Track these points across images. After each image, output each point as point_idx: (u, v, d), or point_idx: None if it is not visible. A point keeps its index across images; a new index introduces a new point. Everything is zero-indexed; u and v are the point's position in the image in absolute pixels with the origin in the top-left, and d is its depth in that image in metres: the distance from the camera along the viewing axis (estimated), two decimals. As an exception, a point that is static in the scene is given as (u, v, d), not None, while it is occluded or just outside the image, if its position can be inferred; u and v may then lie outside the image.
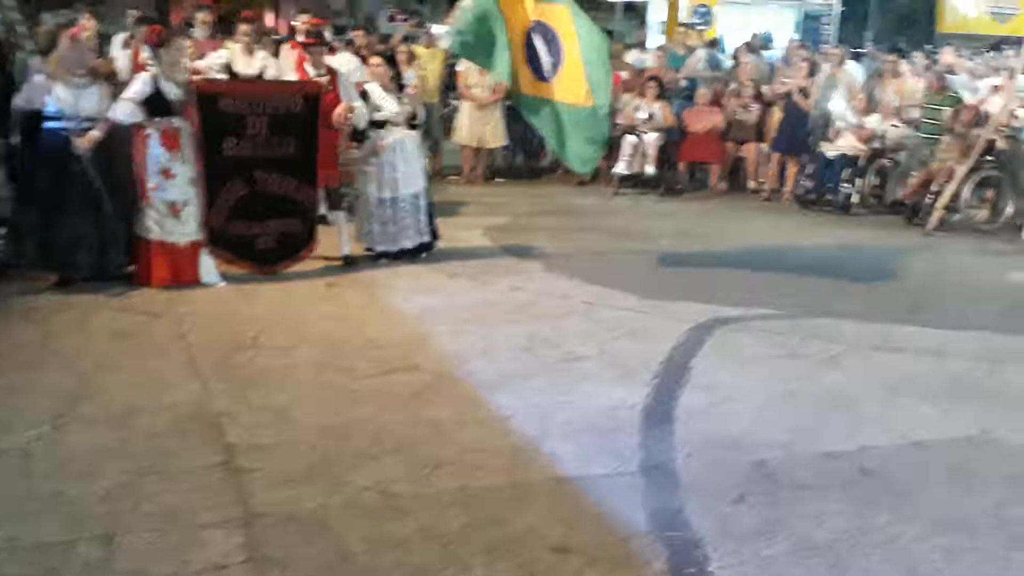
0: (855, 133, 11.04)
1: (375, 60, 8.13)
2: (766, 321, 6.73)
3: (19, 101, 6.63)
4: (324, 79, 7.48)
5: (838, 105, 11.16)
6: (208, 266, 6.98)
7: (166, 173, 6.75)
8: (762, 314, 6.87)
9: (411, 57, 10.81)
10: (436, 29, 17.68)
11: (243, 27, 8.79)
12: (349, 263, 7.64)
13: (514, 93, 7.81)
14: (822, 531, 3.82)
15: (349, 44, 11.14)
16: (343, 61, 9.37)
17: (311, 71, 7.64)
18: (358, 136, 7.76)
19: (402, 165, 7.77)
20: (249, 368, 5.37)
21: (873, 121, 11.16)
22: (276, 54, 9.11)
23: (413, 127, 7.94)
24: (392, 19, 35.34)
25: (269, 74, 8.52)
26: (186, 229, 6.85)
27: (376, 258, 7.84)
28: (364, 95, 7.73)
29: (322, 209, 7.63)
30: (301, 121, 7.21)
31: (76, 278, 6.57)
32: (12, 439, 4.33)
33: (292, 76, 8.22)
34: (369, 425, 4.63)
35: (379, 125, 7.70)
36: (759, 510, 3.97)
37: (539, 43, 7.49)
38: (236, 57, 8.64)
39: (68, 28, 8.04)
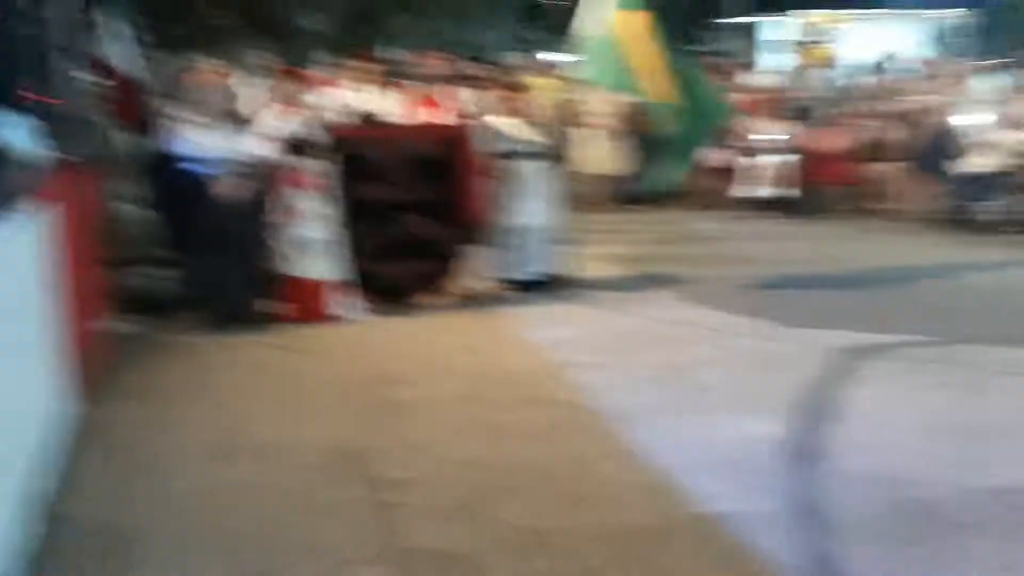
0: (996, 148, 10.61)
1: (507, 93, 8.22)
2: (907, 348, 6.50)
3: (159, 141, 6.92)
4: (465, 120, 7.62)
5: (977, 120, 10.76)
6: (349, 302, 7.14)
7: (297, 212, 6.96)
8: (902, 340, 6.65)
9: (527, 87, 10.93)
10: (547, 57, 17.83)
11: (367, 66, 8.95)
12: (486, 299, 7.67)
13: (654, 101, 7.89)
14: None
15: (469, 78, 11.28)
16: (467, 97, 9.51)
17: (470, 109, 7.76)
18: (496, 165, 7.85)
19: (534, 195, 7.85)
20: (392, 402, 5.47)
21: (1015, 136, 10.71)
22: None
23: (544, 157, 8.01)
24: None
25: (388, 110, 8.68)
26: (319, 267, 7.03)
27: (510, 288, 7.92)
28: (495, 127, 7.84)
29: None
30: (442, 163, 7.35)
31: (224, 316, 6.79)
32: (166, 475, 4.50)
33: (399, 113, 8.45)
34: (512, 459, 4.66)
35: (511, 156, 7.78)
36: (923, 552, 3.72)
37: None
38: (365, 98, 8.83)
39: (192, 71, 8.42)
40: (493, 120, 7.95)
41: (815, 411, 5.30)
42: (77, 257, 5.75)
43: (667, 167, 8.18)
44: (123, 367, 6.01)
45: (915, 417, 5.20)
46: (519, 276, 7.89)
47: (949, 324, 7.02)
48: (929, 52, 16.39)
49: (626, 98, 12.25)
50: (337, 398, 5.53)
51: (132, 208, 8.65)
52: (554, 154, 8.21)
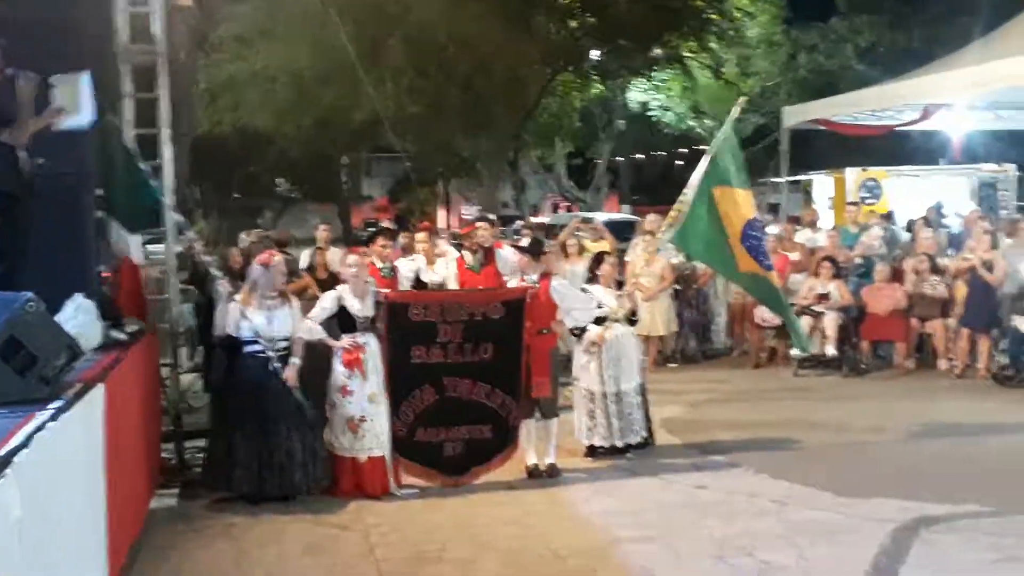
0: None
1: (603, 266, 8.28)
2: (974, 520, 6.23)
3: (216, 322, 7.00)
4: (531, 285, 7.48)
5: (1026, 275, 10.63)
6: (395, 479, 7.05)
7: (344, 390, 6.95)
8: (969, 511, 6.39)
9: (581, 249, 11.08)
10: (599, 218, 18.15)
11: (420, 236, 9.16)
12: (553, 474, 7.43)
13: (736, 276, 8.09)
14: None
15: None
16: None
17: (531, 278, 7.58)
18: (579, 331, 7.85)
19: (624, 360, 7.83)
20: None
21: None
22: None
23: (632, 323, 8.03)
24: (556, 208, 36.61)
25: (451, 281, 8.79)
26: (364, 444, 6.95)
27: (593, 455, 7.82)
28: (585, 293, 7.92)
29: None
30: (500, 327, 7.24)
31: (274, 494, 6.69)
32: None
33: (455, 285, 8.56)
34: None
35: (599, 321, 7.78)
36: None
37: (755, 233, 7.85)
38: (420, 266, 8.98)
39: (253, 249, 8.64)
40: (591, 285, 8.01)
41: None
42: (129, 433, 5.79)
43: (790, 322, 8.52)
44: (170, 548, 5.94)
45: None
46: (614, 441, 7.79)
47: (1015, 492, 6.75)
48: (974, 206, 16.38)
49: (676, 259, 12.42)
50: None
51: (186, 379, 8.82)
52: (635, 318, 8.24)
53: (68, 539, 4.21)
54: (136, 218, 7.37)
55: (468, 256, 8.75)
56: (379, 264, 8.08)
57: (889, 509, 6.38)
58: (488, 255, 8.68)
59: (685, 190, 7.81)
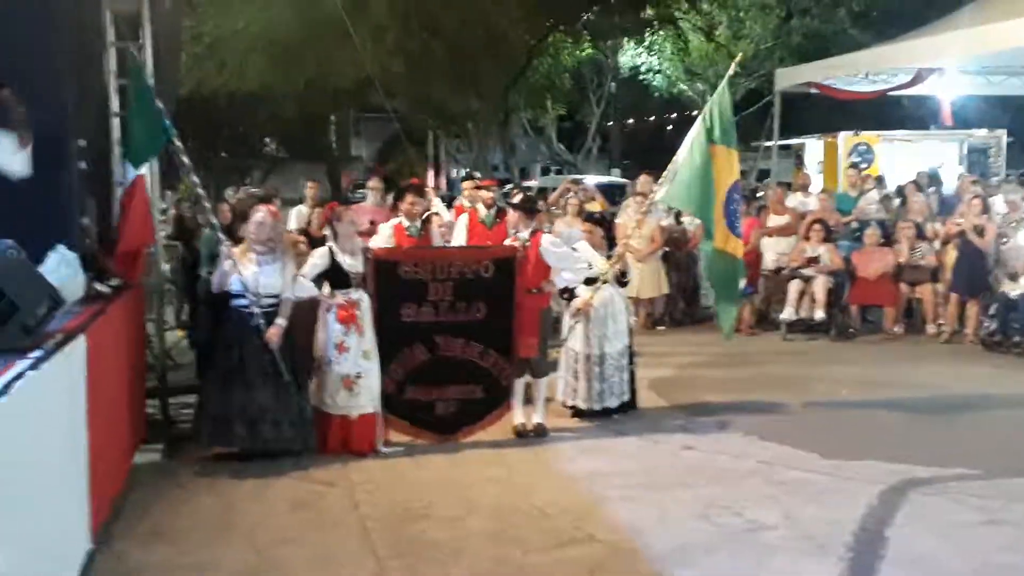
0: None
1: (587, 224, 8.25)
2: (962, 482, 6.23)
3: (213, 280, 6.90)
4: (519, 244, 7.39)
5: (1021, 240, 10.59)
6: (382, 436, 6.99)
7: (340, 347, 6.86)
8: (957, 474, 6.39)
9: (581, 210, 11.01)
10: (589, 181, 18.05)
11: (409, 197, 8.92)
12: (541, 433, 7.37)
13: (712, 248, 7.78)
14: None
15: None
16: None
17: (523, 235, 7.45)
18: (567, 293, 7.78)
19: (611, 322, 7.76)
20: (421, 541, 5.28)
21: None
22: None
23: (622, 284, 7.96)
24: (546, 171, 36.49)
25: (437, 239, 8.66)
26: (359, 402, 6.88)
27: (579, 416, 7.78)
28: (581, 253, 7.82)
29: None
30: (492, 286, 7.16)
31: (258, 451, 6.62)
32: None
33: (464, 240, 8.43)
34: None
35: (589, 282, 7.70)
36: None
37: (736, 197, 7.72)
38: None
39: (245, 202, 8.51)
40: (580, 246, 7.90)
41: (873, 553, 5.06)
42: (111, 386, 5.72)
43: (723, 308, 8.10)
44: (154, 502, 5.88)
45: (974, 557, 4.98)
46: (593, 405, 7.75)
47: (1002, 455, 6.78)
48: (964, 171, 16.37)
49: (666, 221, 12.35)
50: (368, 537, 5.34)
51: (172, 336, 8.73)
52: (626, 280, 8.16)
53: (49, 490, 4.16)
54: (140, 154, 7.18)
55: (482, 210, 8.62)
56: (406, 223, 7.85)
57: (877, 471, 6.37)
58: (500, 213, 8.61)
59: (679, 150, 7.72)
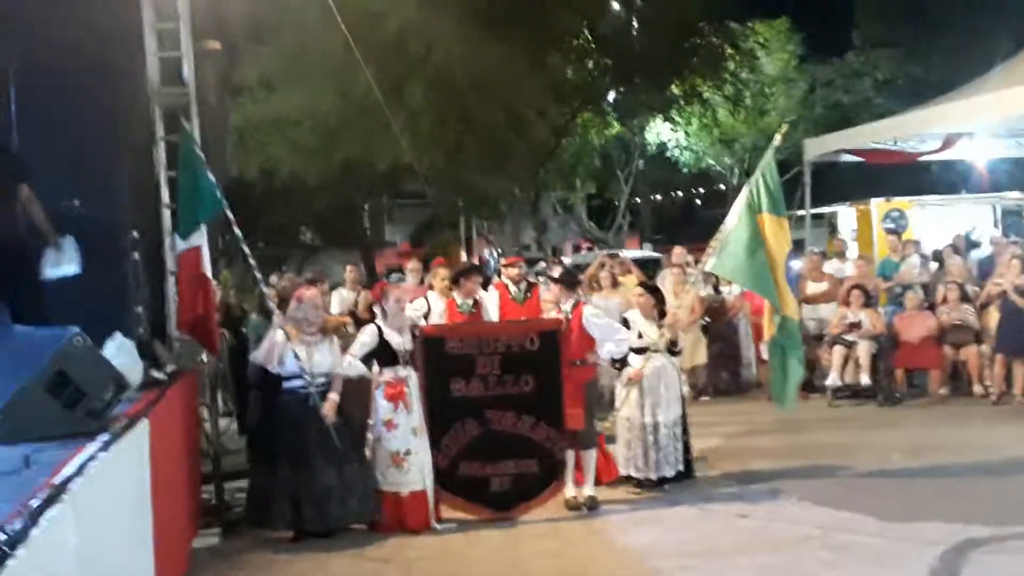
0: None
1: (639, 290, 8.36)
2: (1022, 540, 6.14)
3: (257, 355, 7.01)
4: (562, 316, 7.49)
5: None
6: (436, 513, 7.00)
7: (388, 424, 6.94)
8: (1016, 532, 6.29)
9: (614, 282, 11.11)
10: (625, 254, 18.16)
11: (440, 272, 8.99)
12: (592, 506, 7.33)
13: (783, 317, 7.67)
14: None
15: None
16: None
17: (565, 308, 7.56)
18: (619, 363, 7.81)
19: (664, 391, 7.79)
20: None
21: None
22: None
23: (674, 353, 8.00)
24: (578, 249, 36.74)
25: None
26: (409, 478, 6.92)
27: (636, 485, 7.75)
28: (626, 322, 7.89)
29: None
30: (538, 359, 7.24)
31: (318, 530, 6.65)
32: None
33: (496, 315, 8.52)
34: None
35: (640, 352, 7.75)
36: None
37: (790, 264, 7.77)
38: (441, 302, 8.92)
39: (289, 287, 8.65)
40: (630, 315, 7.99)
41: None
42: (172, 470, 5.80)
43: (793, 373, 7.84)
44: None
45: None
46: (649, 474, 7.71)
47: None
48: (998, 233, 16.31)
49: (704, 291, 12.38)
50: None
51: (225, 422, 8.84)
52: (678, 349, 8.18)
53: (120, 571, 4.21)
54: (190, 225, 7.27)
55: (512, 287, 8.76)
56: (459, 301, 8.02)
57: (934, 532, 6.30)
58: (532, 288, 8.70)
59: (726, 220, 7.72)
